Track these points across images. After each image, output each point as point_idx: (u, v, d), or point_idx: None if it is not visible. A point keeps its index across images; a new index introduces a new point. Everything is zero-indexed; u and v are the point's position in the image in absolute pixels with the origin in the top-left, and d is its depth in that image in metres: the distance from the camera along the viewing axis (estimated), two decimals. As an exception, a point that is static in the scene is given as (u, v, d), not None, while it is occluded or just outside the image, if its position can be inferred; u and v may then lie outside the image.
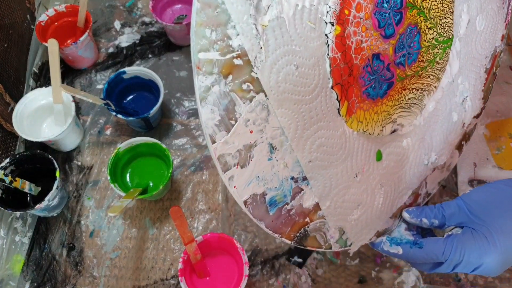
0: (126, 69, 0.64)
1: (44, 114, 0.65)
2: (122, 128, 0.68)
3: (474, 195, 0.44)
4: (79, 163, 0.65)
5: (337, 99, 0.42)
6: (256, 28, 0.35)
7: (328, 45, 0.39)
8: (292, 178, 0.43)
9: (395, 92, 0.49)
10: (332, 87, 0.41)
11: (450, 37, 0.51)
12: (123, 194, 0.55)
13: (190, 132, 0.68)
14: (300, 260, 0.59)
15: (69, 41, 0.72)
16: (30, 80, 0.71)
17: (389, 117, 0.49)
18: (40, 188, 0.58)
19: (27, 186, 0.56)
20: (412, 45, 0.49)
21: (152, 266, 0.59)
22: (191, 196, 0.63)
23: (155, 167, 0.61)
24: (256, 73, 0.35)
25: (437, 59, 0.51)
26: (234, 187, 0.39)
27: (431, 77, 0.51)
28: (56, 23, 0.69)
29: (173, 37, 0.73)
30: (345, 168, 0.46)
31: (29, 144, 0.66)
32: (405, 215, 0.49)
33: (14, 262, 0.59)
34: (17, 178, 0.55)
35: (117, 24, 0.76)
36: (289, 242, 0.45)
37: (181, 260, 0.51)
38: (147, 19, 0.77)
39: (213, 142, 0.36)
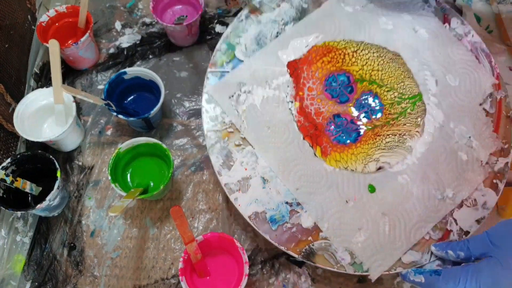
0: (127, 69, 0.64)
1: (45, 115, 0.65)
2: (122, 129, 0.68)
3: (498, 227, 0.47)
4: (80, 163, 0.65)
5: (310, 146, 0.57)
6: (237, 111, 0.58)
7: (292, 113, 0.59)
8: (287, 202, 0.55)
9: (368, 138, 0.59)
10: (303, 138, 0.58)
11: (416, 93, 0.62)
12: (123, 194, 0.55)
13: (190, 132, 0.68)
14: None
15: (70, 41, 0.72)
16: (31, 80, 0.71)
17: (368, 157, 0.58)
18: (41, 188, 0.58)
19: (28, 186, 0.57)
20: (373, 104, 0.61)
21: (152, 266, 0.59)
22: (192, 196, 0.63)
23: (155, 167, 0.61)
24: (243, 135, 0.57)
25: (408, 110, 0.61)
26: (239, 205, 0.55)
27: (408, 124, 0.60)
28: (57, 24, 0.69)
29: (173, 37, 0.73)
30: (332, 194, 0.56)
31: (30, 144, 0.66)
32: (432, 248, 0.53)
33: (15, 261, 0.59)
34: (18, 178, 0.55)
35: (117, 25, 0.77)
36: (296, 256, 0.53)
37: (181, 259, 0.51)
38: (147, 20, 0.77)
39: (220, 175, 0.56)
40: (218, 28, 0.76)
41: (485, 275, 0.43)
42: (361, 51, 0.63)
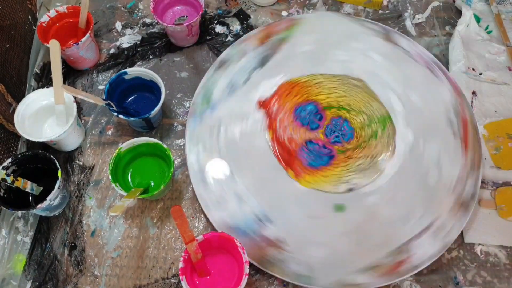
0: (127, 70, 0.64)
1: (45, 115, 0.65)
2: (123, 129, 0.68)
3: None
4: (81, 163, 0.65)
5: (284, 169, 0.62)
6: (218, 143, 0.63)
7: (268, 142, 0.64)
8: (257, 217, 0.59)
9: (340, 161, 0.62)
10: (278, 163, 0.62)
11: (385, 115, 0.65)
12: (124, 193, 0.55)
13: (190, 132, 0.68)
14: (300, 259, 0.60)
15: (70, 42, 0.72)
16: (31, 80, 0.71)
17: (339, 179, 0.61)
18: (41, 188, 0.59)
19: (29, 186, 0.57)
20: (343, 128, 0.65)
21: (153, 265, 0.59)
22: (192, 195, 0.63)
23: (156, 167, 0.62)
24: (222, 157, 0.62)
25: (379, 132, 0.64)
26: (214, 221, 0.59)
27: (379, 146, 0.63)
28: (57, 24, 0.69)
29: (174, 38, 0.73)
30: (300, 211, 0.59)
31: (30, 144, 0.66)
32: None
33: (16, 261, 0.59)
34: (19, 178, 0.56)
35: (118, 25, 0.77)
36: (255, 263, 0.56)
37: (182, 259, 0.51)
38: (148, 20, 0.78)
39: (199, 192, 0.60)
40: (218, 28, 0.76)
41: None
42: (324, 81, 0.67)
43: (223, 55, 0.69)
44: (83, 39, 0.66)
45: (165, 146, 0.58)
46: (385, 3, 0.79)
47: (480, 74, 0.72)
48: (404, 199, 0.60)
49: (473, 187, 0.61)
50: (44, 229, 0.61)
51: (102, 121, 0.69)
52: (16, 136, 0.66)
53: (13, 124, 0.60)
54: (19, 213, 0.61)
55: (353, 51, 0.69)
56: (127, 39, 0.75)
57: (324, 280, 0.56)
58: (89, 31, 0.66)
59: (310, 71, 0.68)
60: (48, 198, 0.55)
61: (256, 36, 0.71)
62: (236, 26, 0.77)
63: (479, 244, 0.61)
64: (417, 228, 0.58)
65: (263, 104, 0.66)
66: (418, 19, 0.78)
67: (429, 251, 0.57)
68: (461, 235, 0.61)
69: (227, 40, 0.75)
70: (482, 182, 0.63)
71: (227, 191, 0.60)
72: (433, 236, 0.58)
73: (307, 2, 0.79)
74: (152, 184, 0.61)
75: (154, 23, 0.77)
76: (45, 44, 0.65)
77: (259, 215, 0.59)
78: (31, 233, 0.61)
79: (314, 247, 0.57)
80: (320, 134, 0.64)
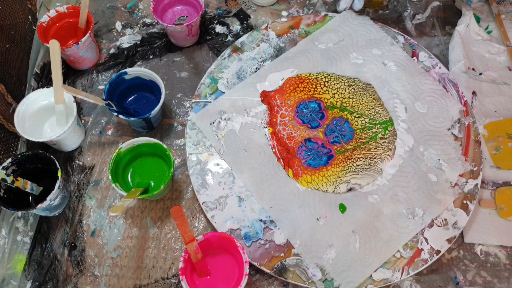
0: (127, 70, 0.64)
1: (45, 115, 0.65)
2: (123, 128, 0.68)
3: None
4: (81, 163, 0.65)
5: (282, 168, 0.62)
6: (217, 136, 0.64)
7: (267, 138, 0.64)
8: (261, 220, 0.59)
9: (339, 162, 0.63)
10: (277, 161, 0.63)
11: (387, 119, 0.66)
12: (124, 193, 0.55)
13: (190, 132, 0.68)
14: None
15: (70, 42, 0.72)
16: (31, 80, 0.71)
17: (339, 179, 0.62)
18: (41, 188, 0.59)
19: (29, 186, 0.57)
20: (343, 129, 0.65)
21: (153, 265, 0.59)
22: (192, 195, 0.63)
23: (156, 167, 0.62)
24: (222, 157, 0.63)
25: (379, 135, 0.64)
26: (215, 222, 0.59)
27: (379, 148, 0.64)
28: (57, 24, 0.70)
29: (174, 38, 0.73)
30: (303, 212, 0.59)
31: (30, 144, 0.66)
32: None
33: (16, 261, 0.59)
34: (19, 178, 0.56)
35: (118, 25, 0.77)
36: (268, 271, 0.56)
37: (182, 259, 0.51)
38: (148, 20, 0.78)
39: (199, 194, 0.61)
40: (218, 28, 0.76)
41: None
42: (333, 81, 0.68)
43: (241, 39, 0.72)
44: (83, 39, 0.66)
45: (165, 146, 0.58)
46: (385, 3, 0.79)
47: (480, 74, 0.72)
48: (405, 198, 0.60)
49: (473, 186, 0.61)
50: (44, 229, 0.61)
51: (102, 121, 0.69)
52: (16, 136, 0.66)
53: (13, 124, 0.60)
54: (19, 213, 0.61)
55: (370, 57, 0.70)
56: (127, 39, 0.75)
57: (341, 280, 0.55)
58: (89, 31, 0.66)
59: (321, 69, 0.69)
60: (48, 198, 0.55)
61: (278, 26, 0.73)
62: (236, 26, 0.77)
63: (479, 244, 0.61)
64: (422, 224, 0.59)
65: (267, 98, 0.66)
66: (418, 19, 0.78)
67: (444, 236, 0.58)
68: (461, 235, 0.61)
69: (227, 40, 0.75)
70: (482, 182, 0.63)
71: (227, 192, 0.61)
72: (443, 227, 0.59)
73: (307, 2, 0.79)
74: (152, 184, 0.61)
75: (154, 23, 0.77)
76: (45, 44, 0.65)
77: (262, 218, 0.59)
78: (31, 233, 0.61)
79: (324, 249, 0.57)
80: (320, 133, 0.64)
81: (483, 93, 0.70)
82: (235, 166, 0.62)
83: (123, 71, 0.64)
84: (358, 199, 0.60)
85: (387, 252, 0.57)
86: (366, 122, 0.65)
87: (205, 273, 0.54)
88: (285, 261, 0.57)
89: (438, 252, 0.57)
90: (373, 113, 0.66)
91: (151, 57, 0.74)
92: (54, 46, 0.62)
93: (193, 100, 0.66)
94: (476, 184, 0.62)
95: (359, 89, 0.67)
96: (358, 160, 0.63)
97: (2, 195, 0.56)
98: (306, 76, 0.68)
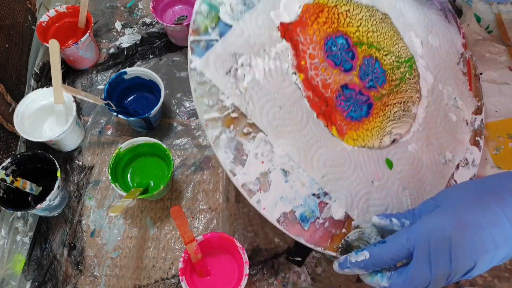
0: (127, 69, 0.64)
1: (45, 114, 0.65)
2: (123, 128, 0.68)
3: (443, 191, 0.45)
4: (80, 163, 0.65)
5: (324, 126, 0.50)
6: (239, 90, 0.45)
7: (300, 88, 0.49)
8: (314, 194, 0.48)
9: (378, 110, 0.55)
10: (317, 117, 0.50)
11: (410, 56, 0.59)
12: (124, 194, 0.55)
13: (190, 132, 0.68)
14: (299, 259, 0.59)
15: (70, 41, 0.72)
16: (31, 80, 0.71)
17: (382, 131, 0.54)
18: (41, 188, 0.59)
19: (28, 186, 0.57)
20: (375, 70, 0.56)
21: (152, 266, 0.59)
22: (192, 196, 0.63)
23: (156, 167, 0.61)
24: (250, 119, 0.46)
25: (407, 75, 0.58)
26: (264, 208, 0.45)
27: (409, 90, 0.57)
28: (57, 24, 0.70)
29: (173, 37, 0.73)
30: (358, 176, 0.51)
31: (30, 144, 0.66)
32: (374, 218, 0.46)
33: (15, 261, 0.59)
34: (18, 178, 0.55)
35: (118, 25, 0.77)
36: (334, 254, 0.48)
37: (181, 259, 0.51)
38: (147, 20, 0.77)
39: (234, 175, 0.44)
40: (218, 28, 0.76)
41: (426, 221, 0.40)
42: (353, 10, 0.56)
43: None
44: (82, 39, 0.66)
45: (164, 146, 0.58)
46: None
47: (481, 74, 0.72)
48: (437, 144, 0.58)
49: (480, 121, 0.62)
50: (43, 229, 0.61)
51: (102, 121, 0.69)
52: (16, 136, 0.66)
53: (13, 124, 0.60)
54: (19, 213, 0.61)
55: None
56: (127, 39, 0.75)
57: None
58: (89, 31, 0.66)
59: None
60: (48, 198, 0.55)
61: None
62: (236, 26, 0.76)
63: (480, 244, 0.61)
64: (452, 168, 0.58)
65: (288, 32, 0.50)
66: (419, 18, 0.77)
67: (467, 176, 0.58)
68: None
69: (227, 39, 0.75)
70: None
71: (268, 166, 0.46)
72: (465, 167, 0.59)
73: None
74: (152, 184, 0.61)
75: (154, 22, 0.77)
76: (45, 43, 0.65)
77: (314, 191, 0.48)
78: (31, 233, 0.61)
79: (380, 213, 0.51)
80: (355, 77, 0.54)
81: (484, 93, 0.70)
82: (271, 130, 0.46)
83: (122, 70, 0.64)
84: (401, 151, 0.55)
85: None
86: (393, 61, 0.57)
87: (205, 273, 0.54)
88: (348, 238, 0.48)
89: None
90: (397, 49, 0.58)
91: (150, 56, 0.74)
92: (53, 46, 0.61)
93: (191, 38, 0.46)
94: (482, 119, 0.62)
95: (380, 21, 0.58)
96: (395, 106, 0.56)
97: (1, 195, 0.56)
98: (324, 3, 0.54)
